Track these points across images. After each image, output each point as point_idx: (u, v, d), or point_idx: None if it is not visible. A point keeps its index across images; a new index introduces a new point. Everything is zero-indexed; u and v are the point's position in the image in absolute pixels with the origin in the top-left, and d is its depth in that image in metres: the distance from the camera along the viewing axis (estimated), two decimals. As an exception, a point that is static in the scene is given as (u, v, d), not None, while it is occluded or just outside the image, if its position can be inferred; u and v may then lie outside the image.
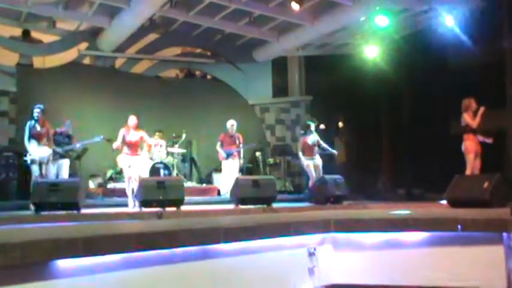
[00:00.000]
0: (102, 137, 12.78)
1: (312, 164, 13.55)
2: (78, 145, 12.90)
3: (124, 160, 12.11)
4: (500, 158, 13.66)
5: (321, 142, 13.86)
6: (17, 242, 3.79)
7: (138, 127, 12.28)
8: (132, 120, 12.22)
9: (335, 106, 19.71)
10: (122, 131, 12.14)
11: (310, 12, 16.35)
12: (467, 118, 11.35)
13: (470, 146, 11.30)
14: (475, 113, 11.35)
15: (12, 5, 15.43)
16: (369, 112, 18.16)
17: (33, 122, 11.42)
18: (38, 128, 11.46)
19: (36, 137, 11.41)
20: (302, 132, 14.50)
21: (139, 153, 12.33)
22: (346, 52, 18.99)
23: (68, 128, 12.92)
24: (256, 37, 18.64)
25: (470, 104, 11.41)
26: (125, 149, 12.10)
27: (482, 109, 11.29)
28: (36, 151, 11.34)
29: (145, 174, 12.40)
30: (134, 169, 12.01)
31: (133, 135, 12.13)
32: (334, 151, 14.17)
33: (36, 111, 11.40)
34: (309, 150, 13.67)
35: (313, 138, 13.72)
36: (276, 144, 19.84)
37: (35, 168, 11.36)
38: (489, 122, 11.64)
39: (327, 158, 14.78)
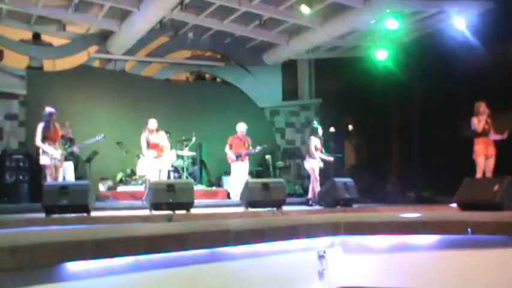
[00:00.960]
0: (103, 135, 12.84)
1: (318, 167, 13.49)
2: (76, 148, 12.92)
3: (148, 162, 12.29)
4: (509, 161, 13.60)
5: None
6: (27, 245, 3.80)
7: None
8: (154, 123, 12.41)
9: (345, 109, 19.71)
10: (145, 136, 12.34)
11: (320, 15, 16.32)
12: (474, 122, 11.42)
13: (479, 149, 11.38)
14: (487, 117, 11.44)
15: (23, 8, 15.50)
16: (379, 115, 18.12)
17: (46, 124, 11.47)
18: (52, 130, 11.52)
19: (51, 139, 11.46)
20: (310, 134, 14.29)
21: (163, 155, 12.50)
22: (356, 55, 18.96)
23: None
24: (266, 40, 18.65)
25: (479, 107, 11.46)
26: (150, 151, 12.29)
27: (486, 112, 11.37)
28: (53, 153, 11.41)
29: (165, 176, 12.62)
30: (158, 171, 12.24)
31: (156, 137, 12.31)
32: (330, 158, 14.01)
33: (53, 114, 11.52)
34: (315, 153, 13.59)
35: (319, 141, 13.64)
36: (285, 147, 19.83)
37: (50, 171, 11.41)
38: (498, 125, 11.64)
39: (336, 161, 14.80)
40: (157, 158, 12.39)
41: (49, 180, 11.31)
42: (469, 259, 5.37)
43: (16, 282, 3.71)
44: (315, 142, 13.48)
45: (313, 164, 13.40)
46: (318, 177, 13.39)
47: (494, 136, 11.48)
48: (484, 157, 11.31)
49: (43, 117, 11.63)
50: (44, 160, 11.48)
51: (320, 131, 13.70)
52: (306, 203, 13.49)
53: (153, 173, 12.35)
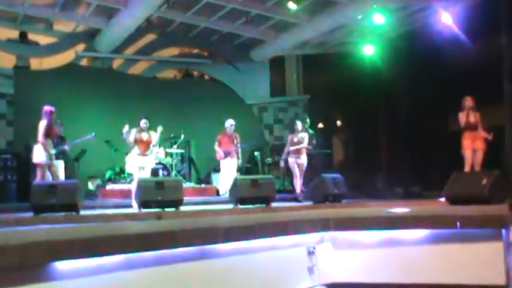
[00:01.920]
0: (93, 134, 12.75)
1: (296, 163, 13.46)
2: (67, 146, 12.82)
3: (135, 160, 12.15)
4: (498, 155, 13.66)
5: (305, 141, 13.67)
6: (16, 244, 3.78)
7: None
8: (145, 123, 12.21)
9: (333, 105, 19.74)
10: (133, 130, 12.13)
11: (307, 11, 16.33)
12: (460, 116, 11.52)
13: (466, 144, 11.49)
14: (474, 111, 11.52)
15: (9, 7, 15.42)
16: (367, 110, 18.15)
17: (48, 122, 11.38)
18: (51, 128, 11.45)
19: (51, 137, 11.40)
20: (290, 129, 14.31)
21: (147, 153, 12.32)
22: (344, 50, 18.99)
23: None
24: (253, 37, 18.66)
25: (464, 102, 11.56)
26: (136, 148, 12.12)
27: (469, 106, 11.44)
28: (52, 151, 11.36)
29: (148, 174, 12.53)
30: (141, 168, 12.11)
31: (145, 135, 12.15)
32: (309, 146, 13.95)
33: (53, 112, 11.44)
34: (294, 149, 13.56)
35: (298, 136, 13.60)
36: (274, 143, 19.81)
37: (41, 171, 11.31)
38: (487, 119, 11.71)
39: (323, 156, 14.78)
40: (142, 155, 12.19)
41: (39, 179, 11.21)
42: (458, 253, 5.40)
43: (5, 282, 3.70)
44: (290, 138, 13.54)
45: (291, 160, 13.45)
46: (297, 173, 13.42)
47: (482, 133, 11.53)
48: (471, 151, 11.38)
49: (43, 115, 11.44)
50: (38, 158, 11.34)
51: (299, 126, 13.65)
52: (295, 199, 13.51)
53: (136, 170, 12.16)
